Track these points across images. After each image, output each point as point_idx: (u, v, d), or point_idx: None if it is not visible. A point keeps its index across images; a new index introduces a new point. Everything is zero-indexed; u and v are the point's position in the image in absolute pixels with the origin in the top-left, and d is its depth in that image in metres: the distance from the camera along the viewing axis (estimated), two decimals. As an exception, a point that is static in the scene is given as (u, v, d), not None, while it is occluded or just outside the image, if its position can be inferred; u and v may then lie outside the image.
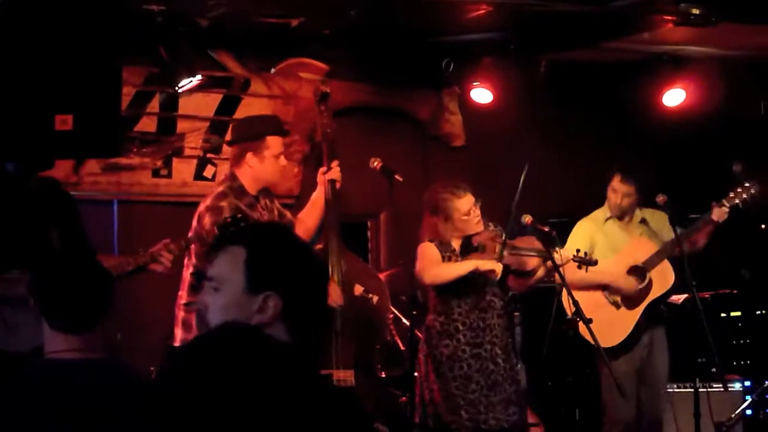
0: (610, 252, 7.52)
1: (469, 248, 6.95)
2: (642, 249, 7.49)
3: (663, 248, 7.42)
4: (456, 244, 6.96)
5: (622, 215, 7.60)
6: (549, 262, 6.82)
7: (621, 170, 7.55)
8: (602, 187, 7.69)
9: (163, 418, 2.79)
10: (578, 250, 7.04)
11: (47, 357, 3.76)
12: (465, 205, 6.86)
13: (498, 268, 6.74)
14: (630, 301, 7.44)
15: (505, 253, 6.79)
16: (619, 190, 7.53)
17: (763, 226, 9.44)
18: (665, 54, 8.93)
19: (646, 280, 7.41)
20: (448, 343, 6.89)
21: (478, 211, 6.92)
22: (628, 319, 7.39)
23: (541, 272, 7.04)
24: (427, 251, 6.93)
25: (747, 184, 7.42)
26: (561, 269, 6.74)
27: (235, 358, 2.87)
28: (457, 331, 6.89)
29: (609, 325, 7.17)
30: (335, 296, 6.37)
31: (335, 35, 8.24)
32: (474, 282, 6.90)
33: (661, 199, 7.31)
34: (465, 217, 6.86)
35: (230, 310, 2.91)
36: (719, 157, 9.64)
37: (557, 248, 6.84)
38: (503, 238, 6.83)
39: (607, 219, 7.64)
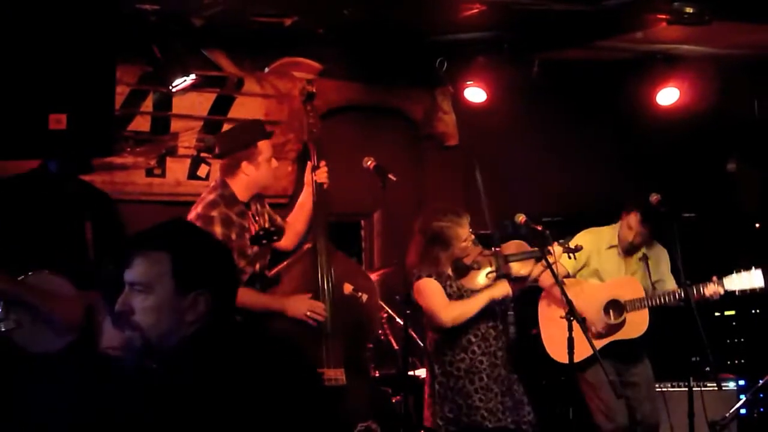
0: (597, 279, 7.53)
1: (461, 269, 6.92)
2: (630, 288, 7.49)
3: (648, 297, 7.43)
4: (448, 269, 6.94)
5: (630, 251, 7.59)
6: (542, 262, 6.83)
7: (642, 211, 7.49)
8: (595, 186, 7.67)
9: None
10: (564, 240, 7.12)
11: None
12: (465, 230, 6.88)
13: (509, 289, 6.79)
14: (597, 331, 7.43)
15: (502, 263, 6.83)
16: (635, 229, 7.50)
17: (757, 225, 9.44)
18: (659, 53, 8.93)
19: (621, 318, 7.41)
20: (463, 357, 6.85)
21: (470, 233, 6.93)
22: (588, 347, 7.36)
23: (535, 273, 7.06)
24: (432, 289, 6.89)
25: (756, 281, 7.36)
26: (554, 268, 6.74)
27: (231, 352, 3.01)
28: (470, 343, 6.87)
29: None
30: (317, 314, 6.36)
31: (329, 34, 8.23)
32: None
33: (654, 198, 7.31)
34: (464, 244, 6.87)
35: (163, 311, 3.16)
36: (713, 155, 9.65)
37: (550, 247, 6.84)
38: (495, 251, 6.86)
39: (611, 247, 7.63)
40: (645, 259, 7.58)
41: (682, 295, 7.20)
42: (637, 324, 7.41)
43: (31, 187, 5.89)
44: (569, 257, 7.09)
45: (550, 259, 6.69)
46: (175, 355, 3.19)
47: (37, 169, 5.97)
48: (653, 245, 7.67)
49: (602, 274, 7.56)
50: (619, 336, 7.43)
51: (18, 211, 5.78)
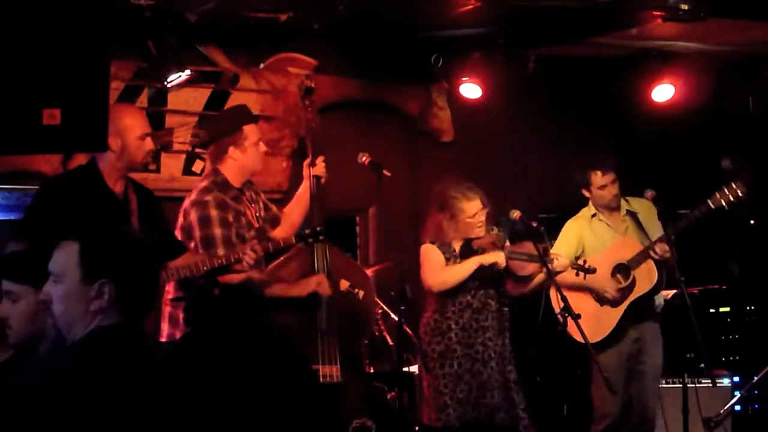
0: (600, 250, 7.53)
1: (469, 251, 7.01)
2: (627, 247, 7.49)
3: (647, 247, 7.42)
4: (456, 245, 7.05)
5: (613, 208, 7.59)
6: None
7: (597, 165, 7.51)
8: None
9: None
10: (577, 258, 7.22)
11: None
12: (472, 209, 6.99)
13: (500, 258, 6.83)
14: (614, 297, 7.45)
15: (504, 254, 6.88)
16: (606, 182, 7.50)
17: (752, 222, 9.44)
18: (654, 49, 8.94)
19: (630, 279, 7.42)
20: (439, 341, 6.96)
21: (483, 217, 6.99)
22: (612, 316, 7.40)
23: (539, 278, 7.10)
24: (431, 255, 7.06)
25: (734, 186, 7.34)
26: (554, 276, 6.77)
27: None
28: (450, 329, 6.95)
29: (594, 321, 7.16)
30: (324, 286, 6.39)
31: (324, 30, 8.22)
32: (470, 282, 6.94)
33: (649, 195, 7.30)
34: (469, 220, 6.96)
35: (70, 299, 3.32)
36: (708, 152, 9.65)
37: (552, 255, 6.89)
38: (502, 239, 6.92)
39: (593, 216, 7.64)
40: (633, 215, 7.58)
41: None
42: (646, 276, 7.42)
43: (80, 184, 5.99)
44: (576, 275, 7.09)
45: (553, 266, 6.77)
46: (78, 349, 3.31)
47: (86, 165, 6.09)
48: (636, 199, 7.63)
49: (599, 246, 7.56)
50: (636, 294, 7.43)
51: (66, 208, 5.85)
